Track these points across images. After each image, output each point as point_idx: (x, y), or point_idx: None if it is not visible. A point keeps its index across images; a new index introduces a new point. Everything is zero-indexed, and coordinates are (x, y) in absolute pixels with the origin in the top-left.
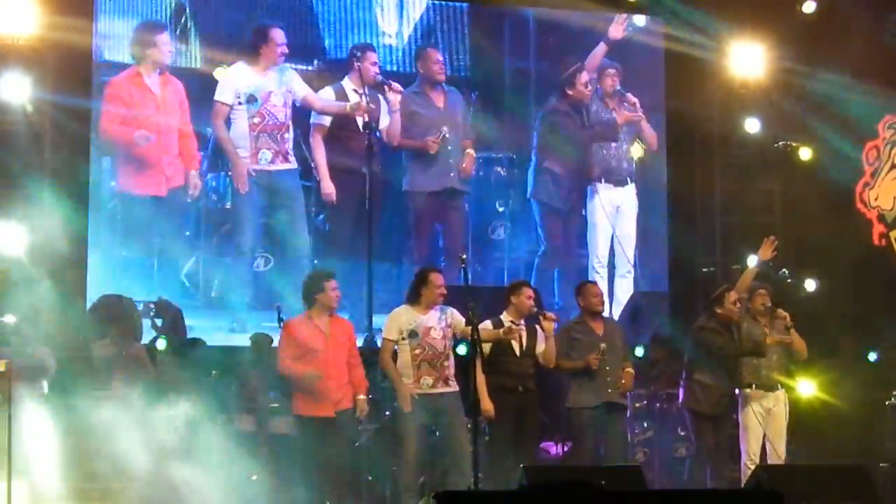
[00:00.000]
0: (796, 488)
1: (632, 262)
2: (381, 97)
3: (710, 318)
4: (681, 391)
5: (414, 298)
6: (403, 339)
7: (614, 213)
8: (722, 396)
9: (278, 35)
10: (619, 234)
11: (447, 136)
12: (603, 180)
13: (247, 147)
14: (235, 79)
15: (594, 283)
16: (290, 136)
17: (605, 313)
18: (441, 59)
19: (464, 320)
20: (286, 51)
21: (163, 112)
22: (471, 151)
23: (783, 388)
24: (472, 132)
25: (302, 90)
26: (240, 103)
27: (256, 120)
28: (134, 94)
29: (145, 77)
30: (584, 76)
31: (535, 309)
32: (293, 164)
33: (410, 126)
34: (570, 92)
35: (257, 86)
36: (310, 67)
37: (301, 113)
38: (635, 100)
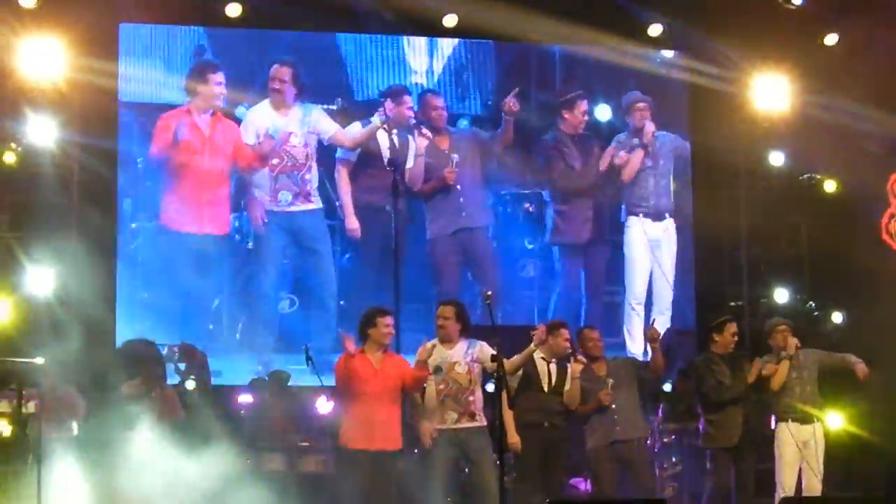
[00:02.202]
0: None
1: (671, 298)
2: (410, 138)
3: (706, 352)
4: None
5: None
6: (429, 374)
7: (652, 248)
8: (734, 428)
9: (283, 73)
10: (659, 268)
11: (457, 165)
12: (641, 214)
13: (266, 187)
14: (256, 119)
15: (591, 327)
16: (311, 176)
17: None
18: (440, 104)
19: (491, 354)
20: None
21: (208, 152)
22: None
23: (819, 421)
24: (486, 168)
25: (330, 128)
26: (259, 143)
27: (275, 161)
28: (182, 130)
29: (195, 115)
30: (583, 105)
31: (570, 350)
32: (317, 203)
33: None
34: (566, 116)
35: (277, 126)
36: (333, 106)
37: (325, 151)
38: (652, 128)
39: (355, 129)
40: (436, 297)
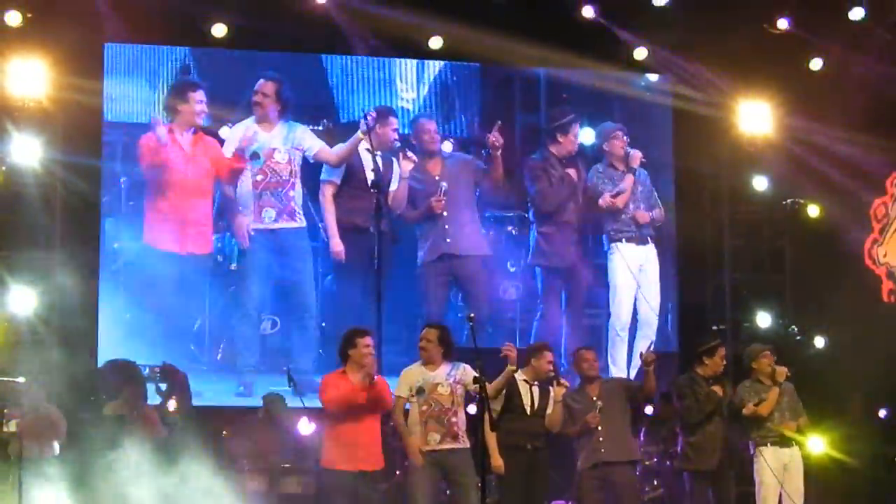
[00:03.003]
0: None
1: (656, 323)
2: (394, 160)
3: (689, 371)
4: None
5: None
6: (413, 396)
7: (635, 273)
8: (713, 451)
9: (267, 87)
10: (644, 293)
11: (445, 193)
12: (623, 240)
13: (250, 205)
14: (239, 134)
15: (589, 348)
16: (295, 193)
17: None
18: (433, 128)
19: (473, 376)
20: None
21: (191, 170)
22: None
23: (797, 445)
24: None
25: (315, 145)
26: (245, 159)
27: (259, 177)
28: (165, 150)
29: (177, 134)
30: (576, 128)
31: (553, 373)
32: (300, 222)
33: (413, 199)
34: (560, 140)
35: (261, 143)
36: (318, 128)
37: (310, 172)
38: (639, 155)
39: (339, 146)
40: (420, 319)
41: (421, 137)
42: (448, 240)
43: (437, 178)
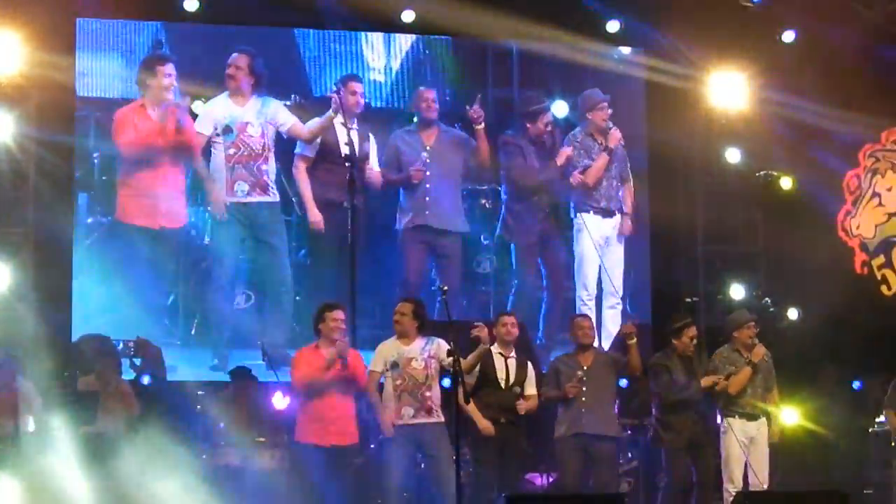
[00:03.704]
0: None
1: (620, 293)
2: (370, 135)
3: (667, 351)
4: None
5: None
6: (387, 370)
7: (602, 245)
8: (683, 431)
9: (239, 60)
10: (607, 265)
11: (426, 165)
12: (591, 211)
13: (222, 178)
14: (213, 110)
15: (585, 316)
16: (268, 167)
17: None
18: (431, 97)
19: (446, 349)
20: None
21: (162, 144)
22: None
23: (764, 416)
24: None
25: (289, 120)
26: (217, 135)
27: (232, 151)
28: (138, 125)
29: (148, 109)
30: (547, 117)
31: (515, 336)
32: (273, 196)
33: (397, 163)
34: (529, 127)
35: (234, 116)
36: (288, 102)
37: (284, 146)
38: (618, 136)
39: (313, 122)
40: (397, 290)
41: (419, 105)
42: (427, 212)
43: (429, 147)
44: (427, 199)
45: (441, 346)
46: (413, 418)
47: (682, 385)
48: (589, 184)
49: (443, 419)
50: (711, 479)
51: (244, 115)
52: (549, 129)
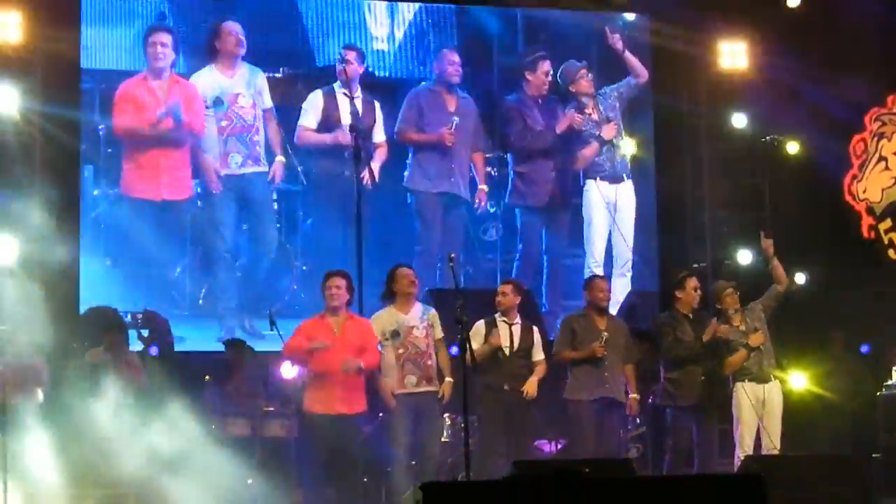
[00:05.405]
0: (785, 477)
1: (630, 259)
2: (376, 104)
3: (669, 309)
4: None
5: (389, 297)
6: (387, 339)
7: (612, 211)
8: (693, 387)
9: (232, 27)
10: (617, 231)
11: (457, 128)
12: (598, 178)
13: (216, 151)
14: (204, 82)
15: (603, 277)
16: (259, 138)
17: None
18: (457, 60)
19: (440, 330)
20: (243, 40)
21: (163, 116)
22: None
23: (776, 380)
24: (483, 144)
25: (267, 103)
26: (208, 107)
27: (224, 123)
28: (140, 98)
29: (151, 81)
30: (545, 65)
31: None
32: (264, 166)
33: (419, 122)
34: (529, 78)
35: (224, 88)
36: (278, 74)
37: (284, 115)
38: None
39: (316, 99)
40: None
41: (445, 68)
42: (452, 179)
43: (451, 111)
44: (452, 165)
45: (436, 324)
46: (416, 386)
47: (686, 343)
48: (578, 166)
49: (438, 388)
50: (714, 444)
51: (234, 87)
52: (549, 78)
